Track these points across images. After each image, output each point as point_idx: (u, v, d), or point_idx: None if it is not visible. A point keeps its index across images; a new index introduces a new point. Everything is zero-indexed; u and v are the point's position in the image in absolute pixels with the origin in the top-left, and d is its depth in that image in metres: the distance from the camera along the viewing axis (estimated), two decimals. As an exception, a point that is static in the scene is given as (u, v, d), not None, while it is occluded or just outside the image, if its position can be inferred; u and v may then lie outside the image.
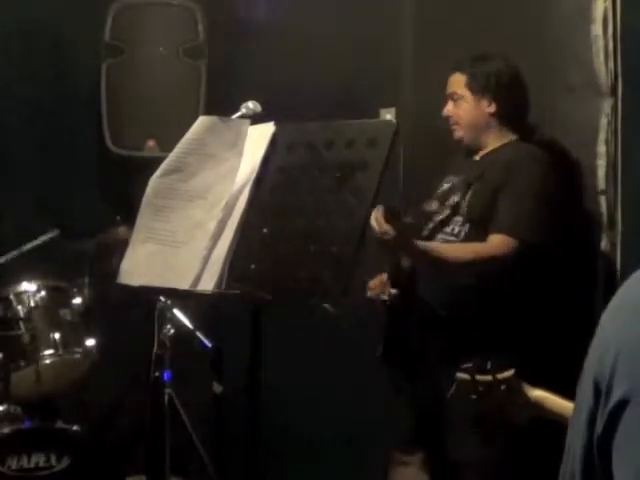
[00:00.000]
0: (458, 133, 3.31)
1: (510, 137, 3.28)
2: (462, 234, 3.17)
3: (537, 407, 2.28)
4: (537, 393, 2.30)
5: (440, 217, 3.24)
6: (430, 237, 3.23)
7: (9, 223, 4.30)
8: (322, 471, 4.10)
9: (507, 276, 3.08)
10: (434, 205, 3.30)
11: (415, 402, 3.33)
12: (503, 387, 2.30)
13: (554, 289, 3.31)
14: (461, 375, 2.34)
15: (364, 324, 3.47)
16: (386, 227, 2.86)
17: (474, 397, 2.32)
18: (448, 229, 3.21)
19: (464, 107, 3.26)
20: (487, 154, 3.29)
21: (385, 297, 3.22)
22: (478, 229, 3.14)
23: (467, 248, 3.12)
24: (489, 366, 2.32)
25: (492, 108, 3.25)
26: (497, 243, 3.07)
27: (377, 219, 2.86)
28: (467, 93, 3.25)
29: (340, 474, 4.03)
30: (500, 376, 2.31)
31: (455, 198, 3.22)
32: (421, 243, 3.08)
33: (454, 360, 3.05)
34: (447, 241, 3.19)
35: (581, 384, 1.09)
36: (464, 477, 3.18)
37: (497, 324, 3.11)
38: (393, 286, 3.21)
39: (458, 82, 3.27)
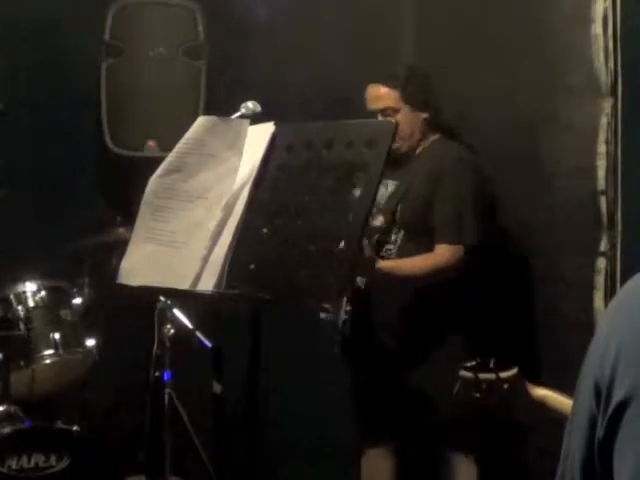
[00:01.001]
0: (396, 144, 3.31)
1: (434, 136, 3.42)
2: (398, 241, 3.30)
3: (540, 405, 2.29)
4: (540, 391, 2.30)
5: (384, 226, 3.34)
6: (378, 250, 3.31)
7: (9, 223, 4.30)
8: (321, 471, 4.10)
9: (462, 280, 3.22)
10: (379, 220, 3.37)
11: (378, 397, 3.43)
12: (506, 385, 2.31)
13: (553, 289, 3.31)
14: (464, 373, 2.35)
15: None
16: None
17: (477, 395, 2.33)
18: (390, 237, 3.32)
19: (401, 119, 3.27)
20: (417, 157, 3.39)
21: (343, 317, 3.34)
22: (411, 236, 3.28)
23: (424, 262, 3.25)
24: (492, 365, 2.33)
25: (425, 115, 3.37)
26: (444, 253, 3.22)
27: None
28: (405, 107, 3.34)
29: (340, 474, 4.03)
30: (503, 375, 2.32)
31: (393, 206, 3.33)
32: (386, 264, 3.21)
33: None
34: (388, 250, 3.30)
35: (579, 387, 1.09)
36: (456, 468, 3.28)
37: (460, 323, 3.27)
38: (350, 303, 3.33)
39: (391, 97, 3.34)
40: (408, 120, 3.32)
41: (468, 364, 2.35)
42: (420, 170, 3.32)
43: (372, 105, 3.36)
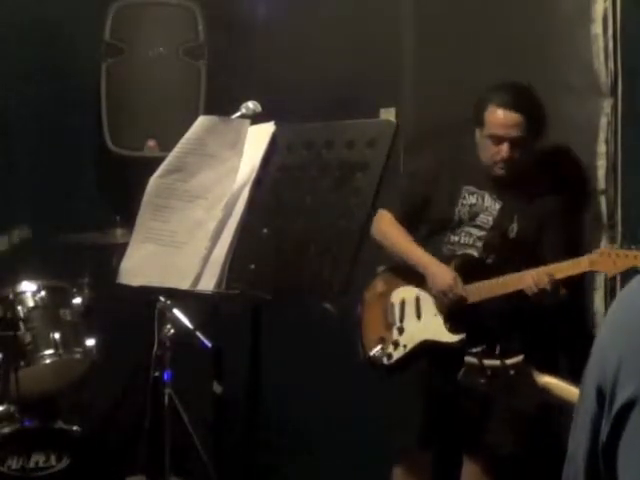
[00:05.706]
0: (505, 172, 3.23)
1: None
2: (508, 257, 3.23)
3: (545, 393, 2.29)
4: (545, 379, 2.30)
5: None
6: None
7: (9, 223, 4.30)
8: (322, 471, 4.10)
9: None
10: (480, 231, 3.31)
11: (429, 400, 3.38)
12: (512, 372, 2.30)
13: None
14: (469, 359, 2.34)
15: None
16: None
17: (482, 382, 2.32)
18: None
19: (525, 151, 3.21)
20: (519, 181, 3.26)
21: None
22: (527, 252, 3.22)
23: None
24: (497, 351, 2.32)
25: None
26: None
27: None
28: (529, 137, 3.19)
29: (340, 474, 4.03)
30: (509, 362, 2.31)
31: (489, 218, 3.26)
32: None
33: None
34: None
35: (582, 391, 1.08)
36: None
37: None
38: None
39: (523, 126, 3.16)
40: (530, 152, 3.21)
41: (473, 350, 2.34)
42: (527, 197, 3.25)
43: (501, 130, 3.15)
